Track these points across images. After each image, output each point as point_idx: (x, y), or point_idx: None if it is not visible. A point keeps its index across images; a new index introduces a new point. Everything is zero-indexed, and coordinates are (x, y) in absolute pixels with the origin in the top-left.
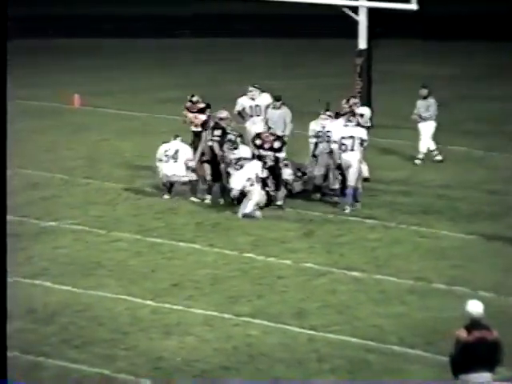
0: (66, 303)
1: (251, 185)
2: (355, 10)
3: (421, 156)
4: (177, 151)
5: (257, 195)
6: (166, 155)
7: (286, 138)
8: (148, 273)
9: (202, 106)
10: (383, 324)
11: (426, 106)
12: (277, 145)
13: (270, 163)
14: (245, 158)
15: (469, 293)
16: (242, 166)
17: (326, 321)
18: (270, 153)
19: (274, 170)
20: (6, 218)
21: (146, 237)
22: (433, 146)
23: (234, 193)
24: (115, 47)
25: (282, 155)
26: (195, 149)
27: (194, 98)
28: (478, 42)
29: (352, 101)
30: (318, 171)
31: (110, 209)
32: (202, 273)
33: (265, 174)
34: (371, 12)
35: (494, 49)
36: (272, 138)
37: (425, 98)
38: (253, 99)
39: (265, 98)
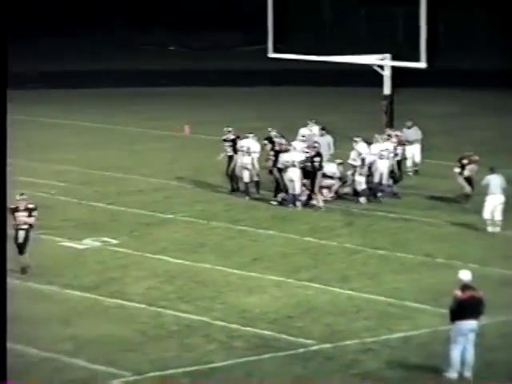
0: (179, 271)
1: (287, 167)
2: (382, 67)
3: (417, 168)
4: (249, 148)
5: (295, 175)
6: (242, 150)
7: (329, 157)
8: (237, 250)
9: (232, 137)
10: (401, 287)
11: (411, 133)
12: (313, 154)
13: (312, 164)
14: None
15: (461, 265)
16: (287, 150)
17: (361, 284)
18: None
19: (313, 176)
20: (5, 217)
21: (236, 225)
22: (418, 161)
23: (280, 165)
24: (217, 94)
25: (316, 164)
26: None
27: (229, 129)
28: (471, 89)
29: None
30: (359, 179)
31: (209, 206)
32: (274, 251)
33: (303, 160)
34: (393, 68)
35: (484, 95)
36: (314, 150)
37: (409, 127)
38: (310, 130)
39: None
